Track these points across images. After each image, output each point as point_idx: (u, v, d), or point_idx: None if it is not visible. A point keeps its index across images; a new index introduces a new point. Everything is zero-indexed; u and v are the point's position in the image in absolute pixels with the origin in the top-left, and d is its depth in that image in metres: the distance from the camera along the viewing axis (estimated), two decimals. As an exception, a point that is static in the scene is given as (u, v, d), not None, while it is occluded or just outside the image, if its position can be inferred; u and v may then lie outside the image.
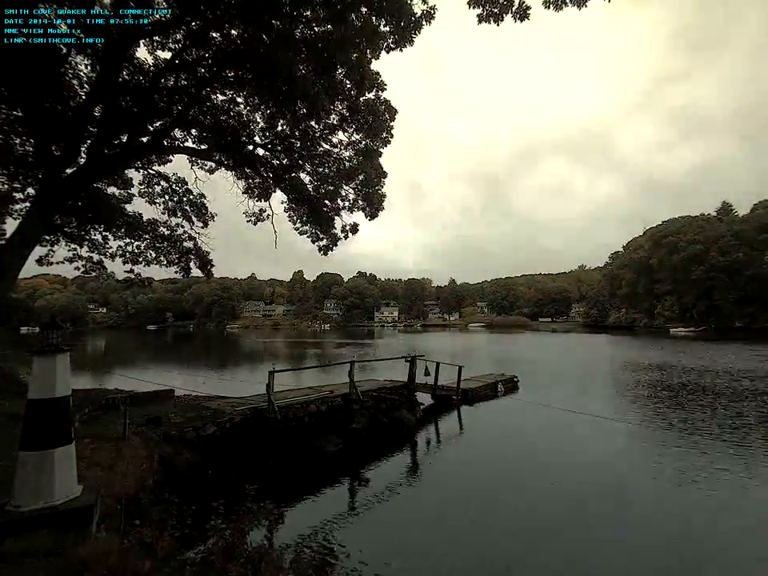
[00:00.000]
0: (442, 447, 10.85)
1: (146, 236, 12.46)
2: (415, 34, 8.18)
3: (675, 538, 6.05)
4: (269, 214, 13.26)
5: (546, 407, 14.00)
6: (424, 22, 7.97)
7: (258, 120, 11.40)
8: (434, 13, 7.92)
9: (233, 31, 8.78)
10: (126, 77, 9.35)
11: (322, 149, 12.07)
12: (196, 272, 13.70)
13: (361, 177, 12.26)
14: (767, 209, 75.61)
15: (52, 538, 3.84)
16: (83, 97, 9.00)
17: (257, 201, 13.12)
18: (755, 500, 7.26)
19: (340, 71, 9.56)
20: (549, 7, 5.93)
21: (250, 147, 11.62)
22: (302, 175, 12.49)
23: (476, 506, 7.20)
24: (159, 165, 12.30)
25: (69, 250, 11.73)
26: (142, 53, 9.67)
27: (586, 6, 5.84)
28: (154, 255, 12.77)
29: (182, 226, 12.93)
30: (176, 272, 13.28)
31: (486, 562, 5.55)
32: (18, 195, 10.19)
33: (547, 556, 5.63)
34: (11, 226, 10.01)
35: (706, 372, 21.98)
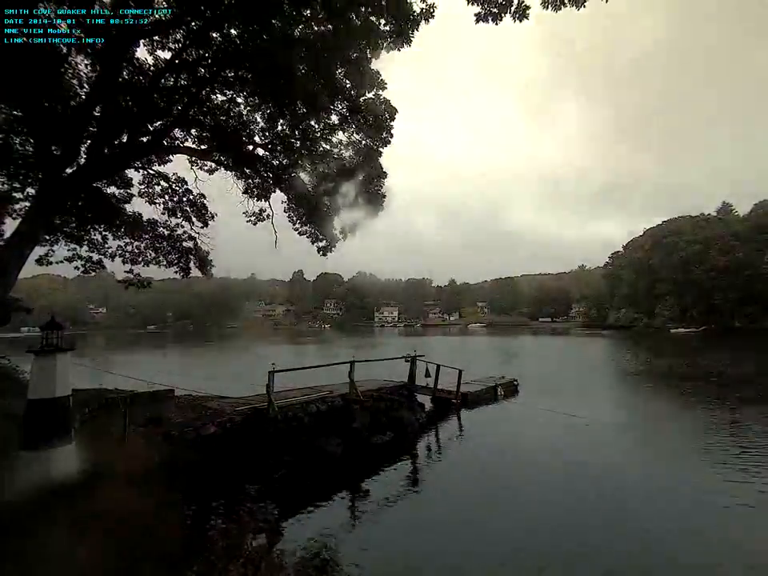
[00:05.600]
0: (442, 450, 10.83)
1: (146, 236, 12.45)
2: (412, 32, 8.15)
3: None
4: (269, 214, 13.24)
5: (545, 411, 13.99)
6: (422, 21, 7.94)
7: (258, 120, 11.39)
8: (433, 11, 7.89)
9: (233, 31, 8.77)
10: (126, 77, 9.34)
11: (322, 149, 12.07)
12: (196, 272, 13.69)
13: (361, 177, 12.25)
14: (767, 209, 75.60)
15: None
16: (83, 97, 9.00)
17: (257, 201, 13.10)
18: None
19: (340, 70, 9.55)
20: (547, 7, 5.92)
21: (250, 147, 11.60)
22: (302, 175, 12.49)
23: (476, 510, 7.20)
24: (159, 165, 12.28)
25: (68, 250, 11.72)
26: (141, 53, 9.67)
27: (584, 6, 5.83)
28: (153, 255, 12.75)
29: (182, 226, 12.91)
30: (175, 272, 13.26)
31: (486, 567, 5.54)
32: (18, 195, 10.18)
33: (548, 560, 5.63)
34: (11, 226, 10.00)
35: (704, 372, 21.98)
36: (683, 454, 9.86)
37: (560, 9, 5.88)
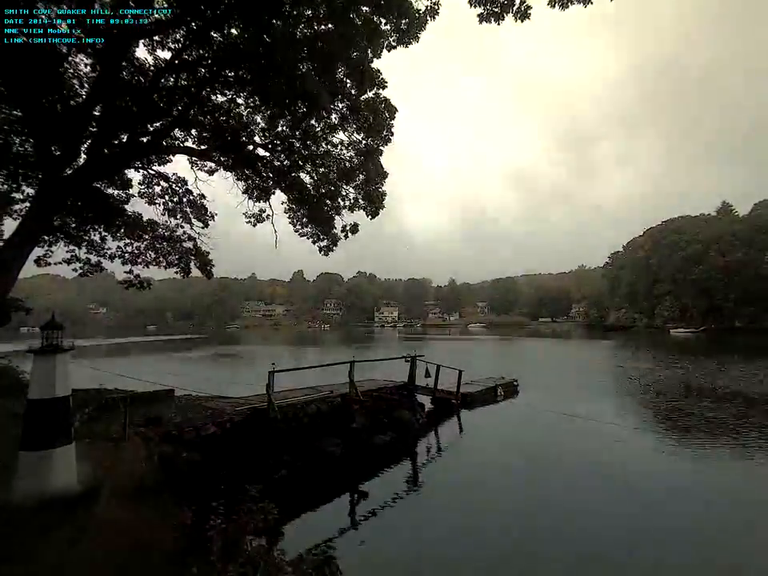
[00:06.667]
0: (442, 451, 10.83)
1: (146, 236, 12.42)
2: (419, 30, 8.15)
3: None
4: (269, 215, 13.23)
5: (545, 412, 13.97)
6: (428, 18, 7.94)
7: (259, 120, 11.38)
8: (438, 8, 7.89)
9: (233, 31, 8.77)
10: (126, 77, 9.34)
11: (322, 149, 12.05)
12: (196, 272, 13.66)
13: (361, 176, 12.24)
14: (767, 209, 75.57)
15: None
16: (83, 96, 8.99)
17: (257, 201, 13.09)
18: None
19: (341, 70, 9.55)
20: (554, 6, 5.91)
21: (250, 147, 11.59)
22: (303, 175, 12.47)
23: (476, 510, 7.19)
24: (159, 165, 12.27)
25: (67, 251, 11.69)
26: (141, 53, 9.67)
27: (591, 3, 5.83)
28: (153, 256, 12.72)
29: (182, 227, 12.89)
30: (176, 272, 13.24)
31: (486, 567, 5.53)
32: (18, 195, 10.18)
33: (546, 562, 5.62)
34: (11, 226, 9.98)
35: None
36: (685, 453, 9.85)
37: (567, 7, 5.88)
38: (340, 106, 10.97)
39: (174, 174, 12.54)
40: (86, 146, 9.36)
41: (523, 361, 31.68)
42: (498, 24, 6.32)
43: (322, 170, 12.38)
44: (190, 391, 11.55)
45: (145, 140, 10.24)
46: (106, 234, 11.89)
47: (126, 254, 12.36)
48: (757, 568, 5.47)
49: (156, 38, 9.34)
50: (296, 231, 13.22)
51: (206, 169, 12.59)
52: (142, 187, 12.27)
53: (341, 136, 11.91)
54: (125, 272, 12.62)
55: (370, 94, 10.93)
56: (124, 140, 9.88)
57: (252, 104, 10.92)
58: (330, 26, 8.45)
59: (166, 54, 9.58)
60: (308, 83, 8.56)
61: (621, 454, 9.90)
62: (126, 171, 11.62)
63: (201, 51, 9.30)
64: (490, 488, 8.08)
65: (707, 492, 7.69)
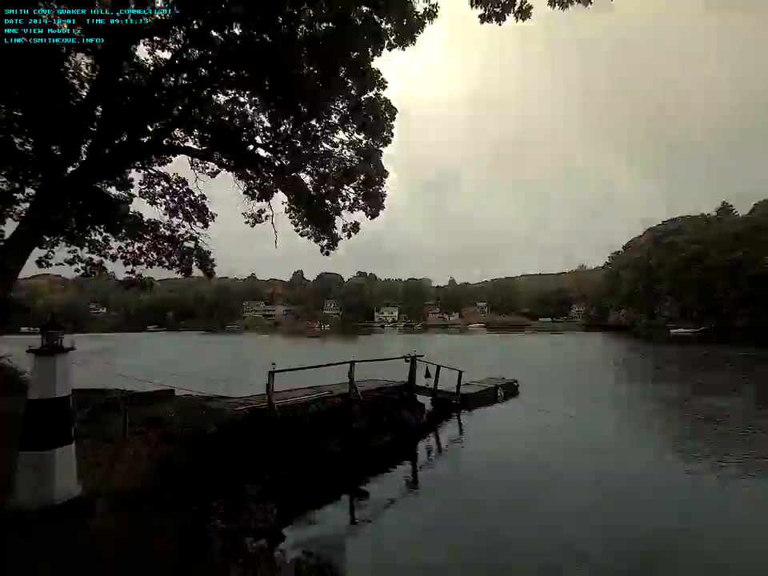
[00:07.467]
0: (442, 452, 10.82)
1: (147, 237, 12.41)
2: (418, 32, 8.17)
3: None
4: (269, 215, 13.23)
5: (546, 413, 13.96)
6: (426, 21, 7.95)
7: (263, 119, 11.39)
8: (437, 11, 7.91)
9: (234, 31, 8.76)
10: (127, 76, 9.34)
11: (323, 149, 12.06)
12: (196, 272, 13.66)
13: (362, 176, 12.24)
14: (767, 209, 75.57)
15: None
16: (83, 96, 9.00)
17: (257, 201, 13.08)
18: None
19: (342, 70, 9.54)
20: (554, 6, 5.92)
21: (251, 148, 11.60)
22: (303, 175, 12.48)
23: (475, 512, 7.18)
24: (160, 165, 12.27)
25: (69, 252, 11.69)
26: (142, 53, 9.66)
27: (591, 3, 5.84)
28: (156, 256, 12.70)
29: (183, 227, 12.89)
30: (177, 272, 13.23)
31: (485, 569, 5.53)
32: (18, 195, 10.18)
33: (547, 562, 5.62)
34: (11, 226, 9.99)
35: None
36: (683, 453, 9.84)
37: (567, 7, 5.89)
38: (341, 105, 10.98)
39: (174, 173, 12.55)
40: (86, 145, 9.36)
41: (523, 360, 31.64)
42: (500, 24, 6.31)
43: (322, 170, 12.39)
44: (189, 391, 11.54)
45: (145, 140, 10.24)
46: (107, 234, 11.90)
47: (128, 255, 12.35)
48: None
49: (156, 37, 9.34)
50: (296, 231, 13.23)
51: (207, 171, 12.59)
52: (143, 187, 12.28)
53: (341, 136, 11.93)
54: (127, 272, 12.62)
55: (371, 94, 10.93)
56: (125, 140, 9.88)
57: (253, 105, 10.93)
58: (330, 25, 8.45)
59: (166, 54, 9.59)
60: (309, 83, 8.56)
61: (621, 456, 9.89)
62: (126, 171, 11.62)
63: (201, 51, 9.30)
64: (491, 489, 8.08)
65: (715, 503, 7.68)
